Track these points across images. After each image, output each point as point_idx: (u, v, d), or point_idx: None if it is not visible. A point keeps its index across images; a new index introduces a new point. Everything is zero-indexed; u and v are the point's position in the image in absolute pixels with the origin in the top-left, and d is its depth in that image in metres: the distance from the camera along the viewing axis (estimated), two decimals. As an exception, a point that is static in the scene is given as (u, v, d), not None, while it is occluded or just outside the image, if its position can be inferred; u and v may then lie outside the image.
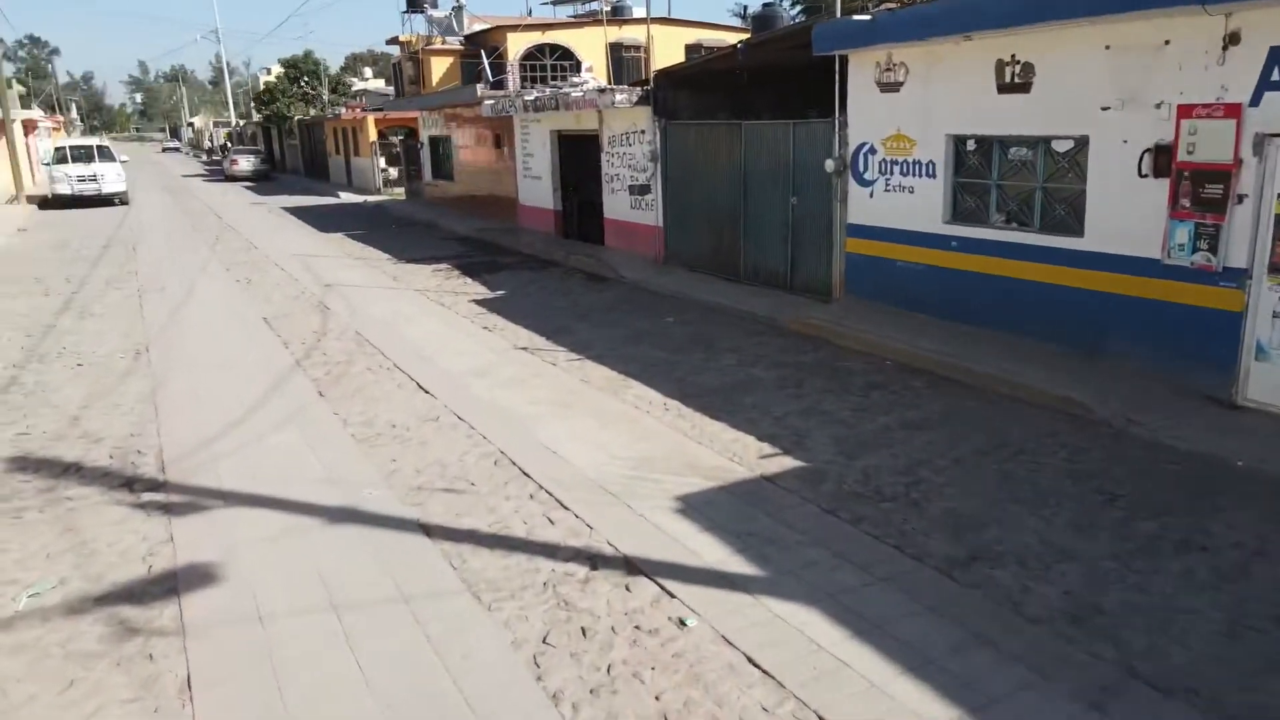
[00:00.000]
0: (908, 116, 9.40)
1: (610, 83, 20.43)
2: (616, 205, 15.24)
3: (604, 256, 14.69)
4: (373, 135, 29.53)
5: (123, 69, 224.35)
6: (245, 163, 39.51)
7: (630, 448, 6.46)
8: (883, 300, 10.01)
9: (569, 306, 11.57)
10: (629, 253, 14.83)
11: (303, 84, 43.53)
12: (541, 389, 7.92)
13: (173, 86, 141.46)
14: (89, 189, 26.88)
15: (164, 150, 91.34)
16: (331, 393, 7.92)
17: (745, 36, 16.82)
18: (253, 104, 51.27)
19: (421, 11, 28.40)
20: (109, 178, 27.13)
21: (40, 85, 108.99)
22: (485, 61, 22.48)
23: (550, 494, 5.69)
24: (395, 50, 33.46)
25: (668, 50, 24.38)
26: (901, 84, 9.41)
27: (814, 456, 6.23)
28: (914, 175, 9.44)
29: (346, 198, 29.44)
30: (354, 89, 47.08)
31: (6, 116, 26.73)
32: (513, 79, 21.81)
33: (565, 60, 25.99)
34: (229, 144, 52.29)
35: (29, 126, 41.88)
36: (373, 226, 21.34)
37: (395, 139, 30.40)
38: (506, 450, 6.45)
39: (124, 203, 27.85)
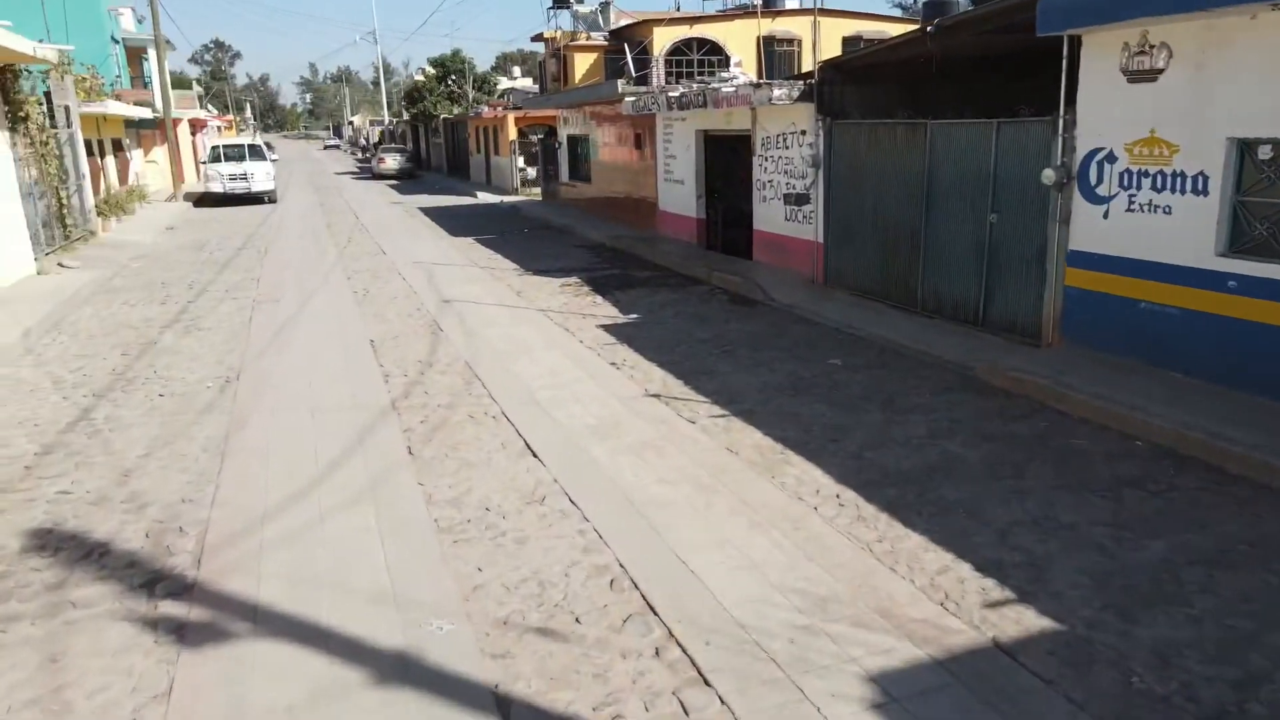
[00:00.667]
0: (1168, 114, 7.17)
1: (761, 78, 18.59)
2: (768, 216, 13.41)
3: (752, 274, 12.90)
4: (512, 134, 28.79)
5: (295, 71, 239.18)
6: (391, 161, 39.91)
7: (796, 571, 4.70)
8: (1116, 350, 7.80)
9: (711, 338, 9.87)
10: (781, 271, 12.98)
11: (450, 82, 43.72)
12: (677, 460, 6.26)
13: (338, 87, 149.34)
14: (239, 187, 27.32)
15: (325, 147, 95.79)
16: (423, 451, 6.53)
17: (915, 26, 14.60)
18: (402, 103, 52.23)
19: (567, 7, 27.35)
20: (258, 176, 27.49)
21: (220, 87, 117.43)
22: (629, 57, 21.07)
23: (685, 651, 4.01)
24: (542, 48, 32.74)
25: (824, 43, 22.29)
26: (1160, 72, 7.18)
27: (1067, 610, 4.28)
28: (1173, 191, 7.20)
29: (483, 198, 28.83)
30: (500, 88, 47.07)
31: (168, 117, 27.50)
32: (656, 74, 20.32)
33: (713, 55, 24.28)
34: (378, 142, 53.56)
35: (197, 125, 43.87)
36: (505, 230, 20.34)
37: (534, 138, 29.57)
38: (627, 563, 4.82)
39: (271, 200, 28.20)
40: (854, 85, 11.58)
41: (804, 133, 12.05)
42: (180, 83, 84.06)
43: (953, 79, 10.97)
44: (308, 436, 6.85)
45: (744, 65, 22.03)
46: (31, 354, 9.54)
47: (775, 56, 29.12)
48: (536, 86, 45.44)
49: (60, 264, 14.82)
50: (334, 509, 5.55)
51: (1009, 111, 9.20)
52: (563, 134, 23.61)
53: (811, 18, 17.97)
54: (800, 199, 12.32)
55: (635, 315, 11.18)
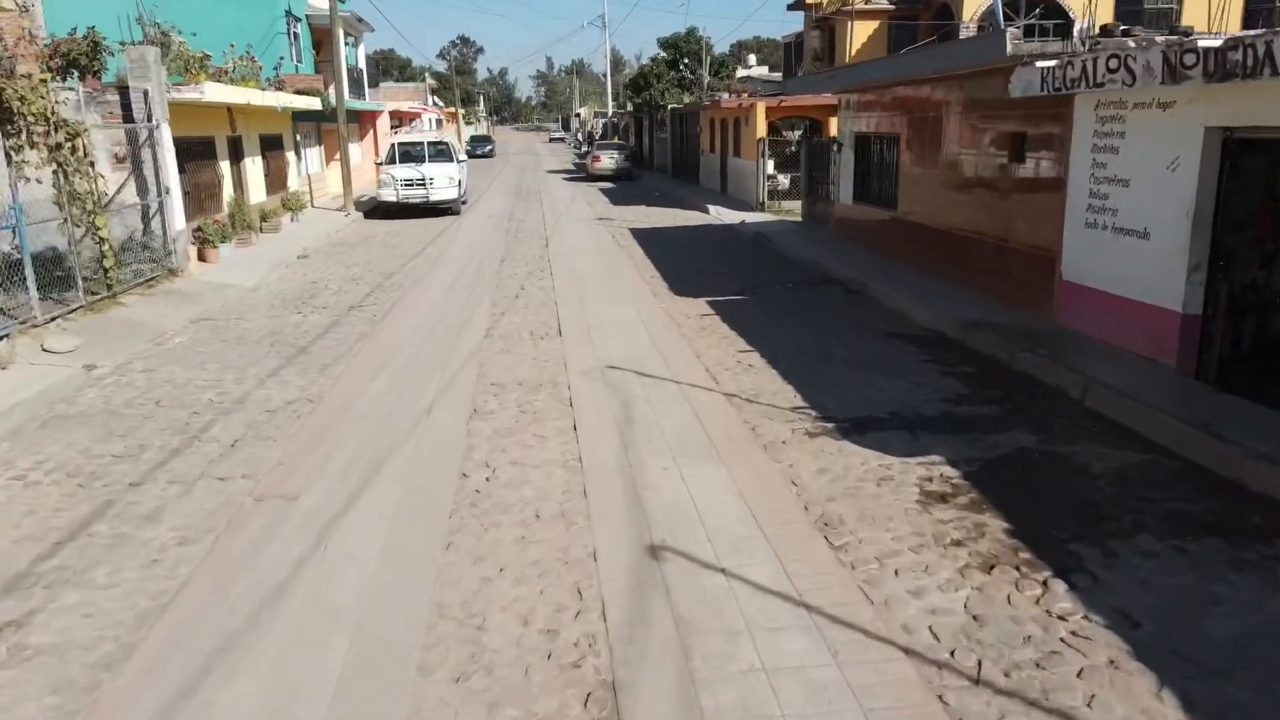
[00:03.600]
0: None
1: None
2: None
3: None
4: (760, 129, 21.30)
5: (533, 65, 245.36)
6: (606, 160, 33.70)
7: None
8: None
9: None
10: None
11: (681, 67, 36.92)
12: None
13: (571, 79, 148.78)
14: (415, 195, 21.78)
15: (550, 140, 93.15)
16: None
17: None
18: (625, 91, 46.20)
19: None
20: (438, 183, 21.82)
21: (464, 81, 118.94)
22: (997, 3, 12.83)
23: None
24: (786, 31, 25.17)
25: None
26: None
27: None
28: None
29: (718, 214, 21.55)
30: (738, 75, 39.72)
31: (341, 108, 22.42)
32: (1082, 27, 11.70)
33: (1049, 19, 15.53)
34: (597, 136, 47.85)
35: (407, 118, 39.89)
36: (756, 284, 12.91)
37: (790, 134, 21.89)
38: None
39: (454, 212, 22.48)
40: None
41: None
42: (411, 75, 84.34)
43: None
44: None
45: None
46: None
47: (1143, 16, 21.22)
48: (778, 76, 37.66)
49: (45, 347, 9.06)
50: None
51: None
52: (843, 130, 15.77)
53: None
54: None
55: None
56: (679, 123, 33.03)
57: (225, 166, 16.46)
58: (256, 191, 18.63)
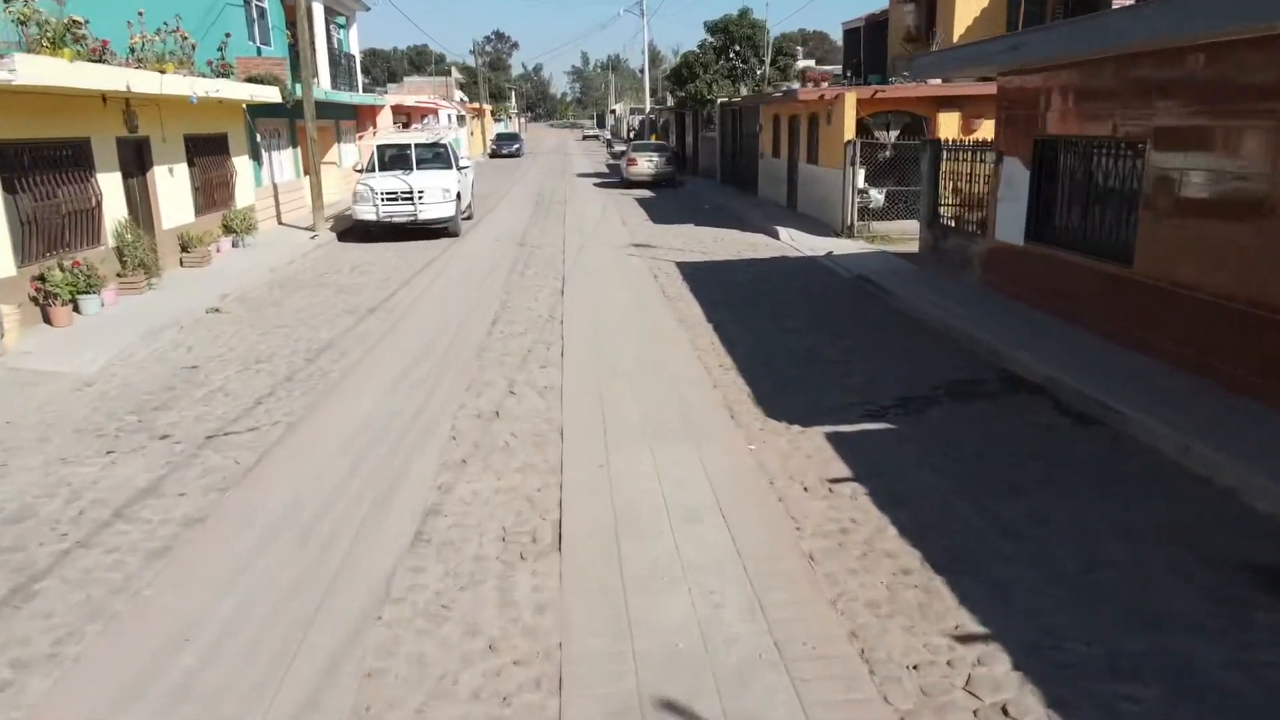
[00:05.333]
0: None
1: None
2: None
3: None
4: (849, 128, 16.12)
5: (567, 60, 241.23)
6: (644, 163, 28.68)
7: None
8: None
9: None
10: None
11: (732, 54, 31.79)
12: None
13: (606, 74, 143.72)
14: (400, 213, 16.93)
15: (583, 138, 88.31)
16: None
17: None
18: (665, 84, 41.09)
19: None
20: (430, 196, 16.95)
21: (497, 77, 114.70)
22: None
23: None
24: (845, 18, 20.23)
25: None
26: None
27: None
28: None
29: (790, 240, 16.45)
30: (797, 66, 34.51)
31: (308, 102, 17.59)
32: None
33: None
34: (633, 135, 42.88)
35: (416, 113, 35.21)
36: (886, 382, 7.83)
37: (885, 135, 16.72)
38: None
39: (452, 233, 17.63)
40: None
41: None
42: (446, 71, 79.60)
43: None
44: None
45: None
46: None
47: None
48: (835, 69, 32.37)
49: None
50: None
51: None
52: (1004, 131, 10.56)
53: None
54: None
55: None
56: (731, 120, 27.90)
57: (110, 181, 11.68)
58: (177, 211, 13.87)
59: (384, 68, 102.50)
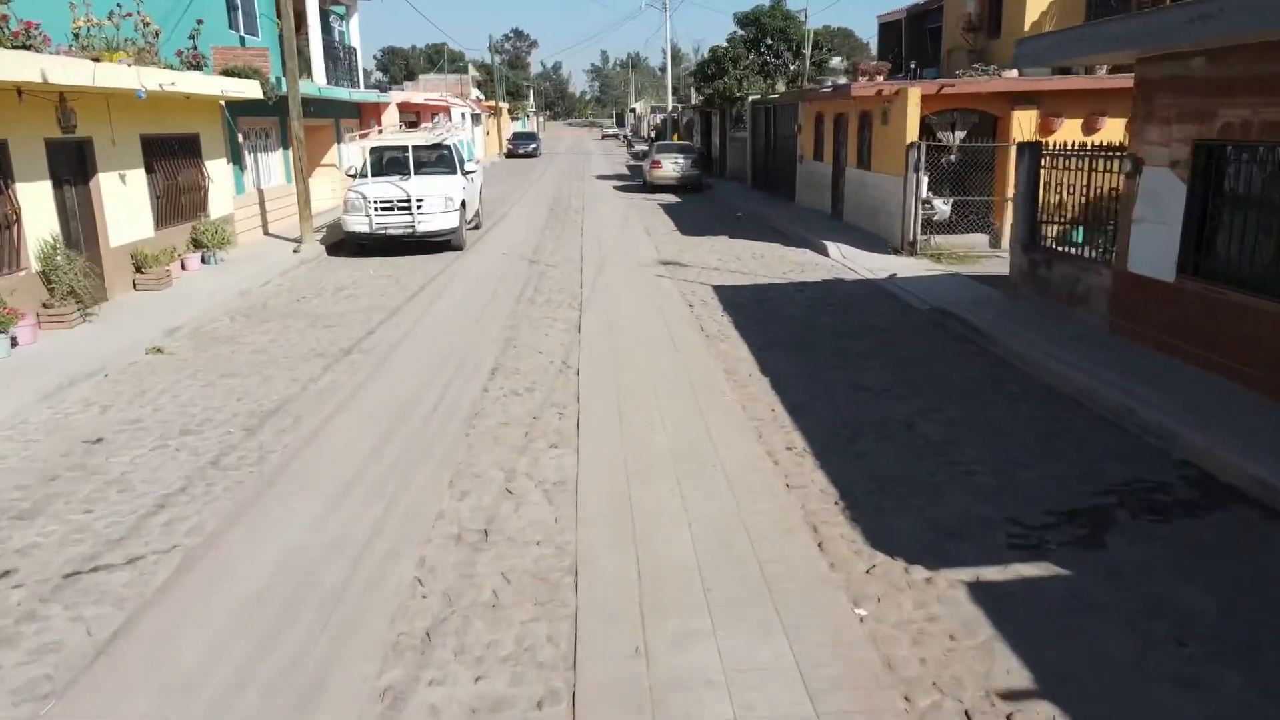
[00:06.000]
0: None
1: None
2: None
3: None
4: (912, 129, 13.89)
5: (587, 59, 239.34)
6: (669, 165, 26.52)
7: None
8: None
9: None
10: None
11: (763, 49, 29.59)
12: None
13: (625, 72, 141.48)
14: (396, 224, 14.89)
15: (602, 137, 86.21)
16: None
17: None
18: (691, 80, 38.92)
19: None
20: (430, 205, 14.91)
21: (515, 75, 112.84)
22: None
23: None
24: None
25: None
26: None
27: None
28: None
29: (841, 257, 14.27)
30: (830, 63, 32.28)
31: (294, 97, 15.58)
32: None
33: None
34: (649, 136, 40.75)
35: (425, 111, 33.23)
36: (984, 452, 5.71)
37: (950, 136, 14.49)
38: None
39: (455, 247, 15.57)
40: None
41: None
42: (466, 70, 77.56)
43: None
44: None
45: None
46: None
47: None
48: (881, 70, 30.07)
49: None
50: None
51: None
52: (1145, 136, 8.33)
53: None
54: None
55: None
56: (765, 119, 25.68)
57: (35, 191, 9.68)
58: (130, 225, 11.87)
59: (403, 66, 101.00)
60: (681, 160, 26.65)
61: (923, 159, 13.74)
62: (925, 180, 13.93)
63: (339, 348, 9.30)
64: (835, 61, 34.14)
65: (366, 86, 54.05)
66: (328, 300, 11.85)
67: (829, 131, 18.79)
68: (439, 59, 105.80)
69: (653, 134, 57.22)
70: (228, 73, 14.54)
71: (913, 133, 14.01)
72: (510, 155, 51.92)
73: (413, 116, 31.58)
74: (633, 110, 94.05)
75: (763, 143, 26.15)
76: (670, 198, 25.38)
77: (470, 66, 74.05)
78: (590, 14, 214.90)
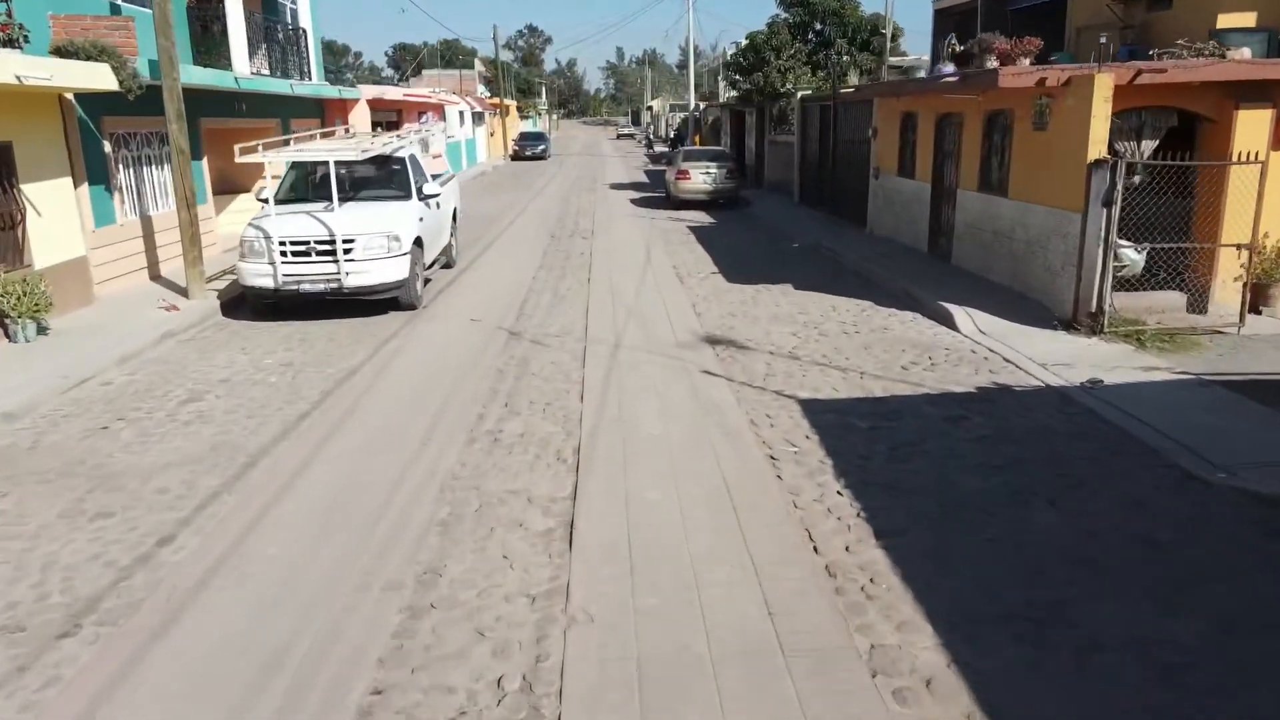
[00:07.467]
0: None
1: None
2: None
3: None
4: (1097, 139, 8.98)
5: (602, 55, 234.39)
6: (700, 177, 21.60)
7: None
8: None
9: None
10: None
11: (811, 36, 24.63)
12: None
13: (642, 69, 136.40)
14: (314, 276, 10.08)
15: (617, 137, 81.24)
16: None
17: None
18: (722, 74, 33.91)
19: None
20: (365, 247, 10.11)
21: (529, 72, 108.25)
22: None
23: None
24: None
25: None
26: None
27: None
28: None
29: (976, 331, 9.36)
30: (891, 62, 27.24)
31: (173, 88, 10.77)
32: None
33: None
34: (668, 136, 35.89)
35: (411, 110, 28.50)
36: None
37: (1136, 147, 9.49)
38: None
39: (405, 306, 10.77)
40: None
41: None
42: (465, 62, 72.81)
43: None
44: None
45: None
46: None
47: None
48: (944, 64, 25.03)
49: None
50: None
51: None
52: None
53: None
54: None
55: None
56: (818, 119, 20.74)
57: None
58: None
59: (413, 63, 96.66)
60: (714, 170, 21.73)
61: (1117, 184, 8.80)
62: (1116, 217, 8.99)
63: (119, 564, 4.50)
64: (911, 57, 28.97)
65: (359, 81, 49.21)
66: (155, 427, 7.05)
67: (925, 138, 13.85)
68: (450, 55, 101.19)
69: (672, 134, 52.30)
70: (62, 52, 9.78)
71: (1098, 144, 9.08)
72: (516, 157, 47.15)
73: (395, 115, 26.84)
74: (649, 108, 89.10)
75: (815, 149, 21.18)
76: (701, 216, 20.50)
77: (478, 62, 69.28)
78: (606, 8, 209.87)
